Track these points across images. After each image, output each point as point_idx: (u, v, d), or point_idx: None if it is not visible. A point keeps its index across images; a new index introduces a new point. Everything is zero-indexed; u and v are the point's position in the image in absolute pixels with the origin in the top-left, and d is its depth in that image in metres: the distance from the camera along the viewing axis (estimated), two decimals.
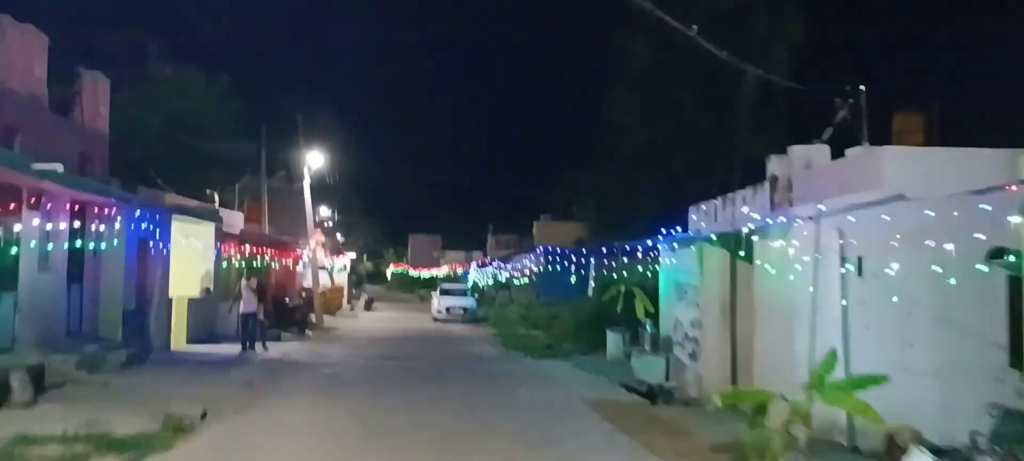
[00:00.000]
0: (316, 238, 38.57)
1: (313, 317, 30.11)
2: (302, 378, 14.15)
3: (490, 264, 46.55)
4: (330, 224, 49.76)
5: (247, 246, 24.18)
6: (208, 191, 29.14)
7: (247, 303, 18.41)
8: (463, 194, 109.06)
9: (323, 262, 39.92)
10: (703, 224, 14.25)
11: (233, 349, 17.77)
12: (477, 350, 21.38)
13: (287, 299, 26.43)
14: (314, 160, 33.08)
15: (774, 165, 12.26)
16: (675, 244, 13.55)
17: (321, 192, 52.11)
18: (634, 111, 27.11)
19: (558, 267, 29.65)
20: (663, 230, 14.82)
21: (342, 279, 45.80)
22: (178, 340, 18.63)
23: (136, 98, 28.52)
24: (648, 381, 13.56)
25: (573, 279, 31.11)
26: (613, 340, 17.93)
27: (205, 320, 20.16)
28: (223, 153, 31.44)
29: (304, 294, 34.69)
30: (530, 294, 37.47)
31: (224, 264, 22.02)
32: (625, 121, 27.31)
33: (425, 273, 71.50)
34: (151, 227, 16.12)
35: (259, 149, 32.95)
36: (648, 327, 13.95)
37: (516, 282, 35.30)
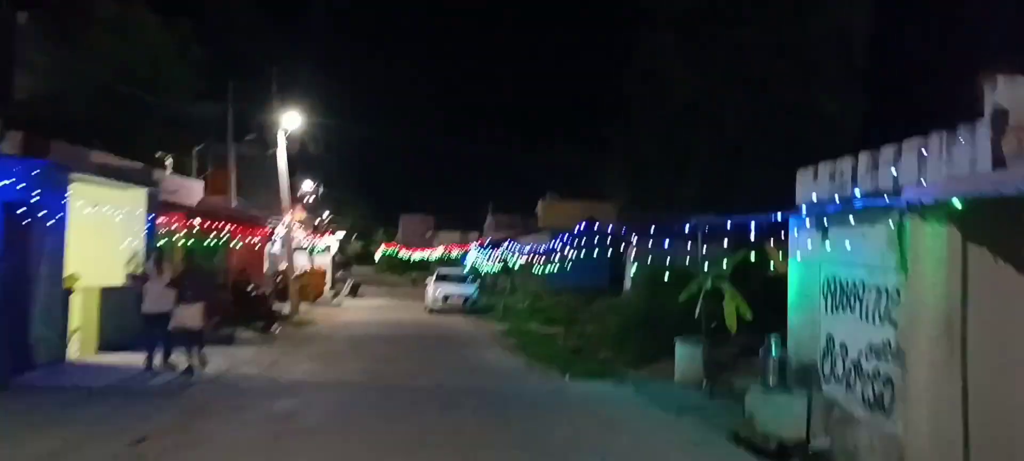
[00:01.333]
0: (293, 214, 33.49)
1: (285, 307, 25.12)
2: (235, 425, 8.85)
3: (499, 245, 41.48)
4: (311, 199, 44.55)
5: (199, 220, 19.11)
6: (158, 154, 24.03)
7: (155, 297, 12.45)
8: (459, 170, 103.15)
9: (301, 241, 34.82)
10: (815, 195, 9.23)
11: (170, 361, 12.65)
12: (492, 360, 16.30)
13: (250, 286, 21.40)
14: (290, 121, 27.95)
15: (1003, 92, 7.24)
16: (827, 218, 8.54)
17: (303, 164, 46.88)
18: (678, 57, 22.02)
19: (585, 252, 24.65)
20: (777, 210, 9.75)
21: (325, 261, 40.74)
22: (86, 347, 13.59)
23: (75, 44, 23.36)
24: (778, 434, 8.65)
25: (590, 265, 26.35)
26: (686, 355, 12.99)
27: (131, 318, 15.06)
28: (181, 112, 26.24)
29: (278, 279, 29.75)
30: (536, 281, 32.57)
31: (162, 242, 16.94)
32: (667, 71, 22.21)
33: (417, 255, 66.55)
34: (30, 188, 11.02)
35: (225, 108, 27.76)
36: (774, 348, 9.06)
37: (536, 269, 30.23)
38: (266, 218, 27.91)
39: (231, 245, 22.07)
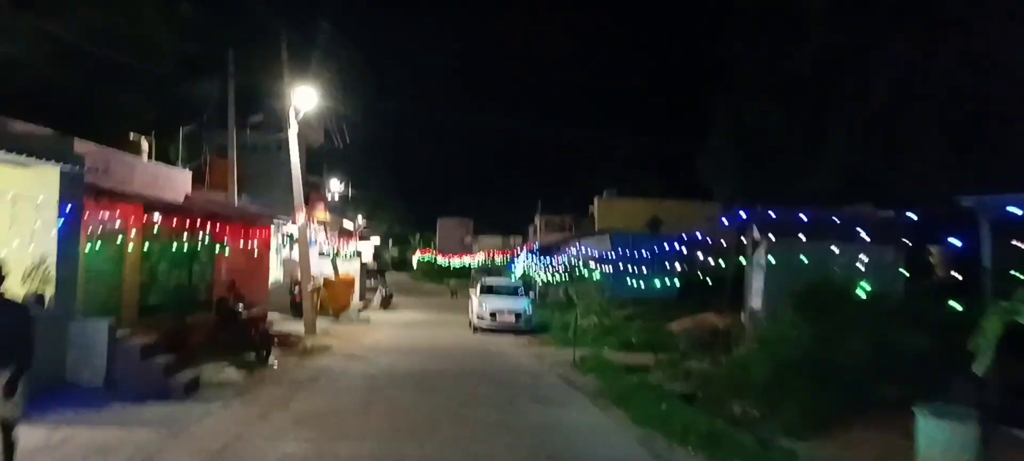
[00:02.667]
0: (311, 213, 28.40)
1: (300, 326, 20.09)
2: None
3: (551, 250, 35.92)
4: (335, 197, 39.51)
5: (165, 219, 13.99)
6: (133, 136, 19.02)
7: None
8: (500, 168, 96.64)
9: (322, 246, 29.73)
10: None
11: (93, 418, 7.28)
12: (581, 427, 10.39)
13: (240, 306, 16.20)
14: (305, 100, 22.81)
15: None
16: None
17: (330, 160, 42.00)
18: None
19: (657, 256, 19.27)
20: None
21: (353, 268, 35.62)
22: None
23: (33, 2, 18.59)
24: None
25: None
26: (940, 437, 7.32)
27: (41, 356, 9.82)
28: (166, 85, 21.28)
29: (296, 291, 24.65)
30: (593, 291, 26.95)
31: (95, 245, 11.80)
32: (791, 15, 16.54)
33: (456, 261, 61.44)
34: None
35: (224, 83, 22.71)
36: None
37: (596, 276, 24.69)
38: (273, 218, 22.83)
39: (218, 252, 16.95)
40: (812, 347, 9.90)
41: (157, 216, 13.56)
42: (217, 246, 16.79)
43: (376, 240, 63.68)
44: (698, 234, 17.01)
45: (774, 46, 16.73)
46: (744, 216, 13.53)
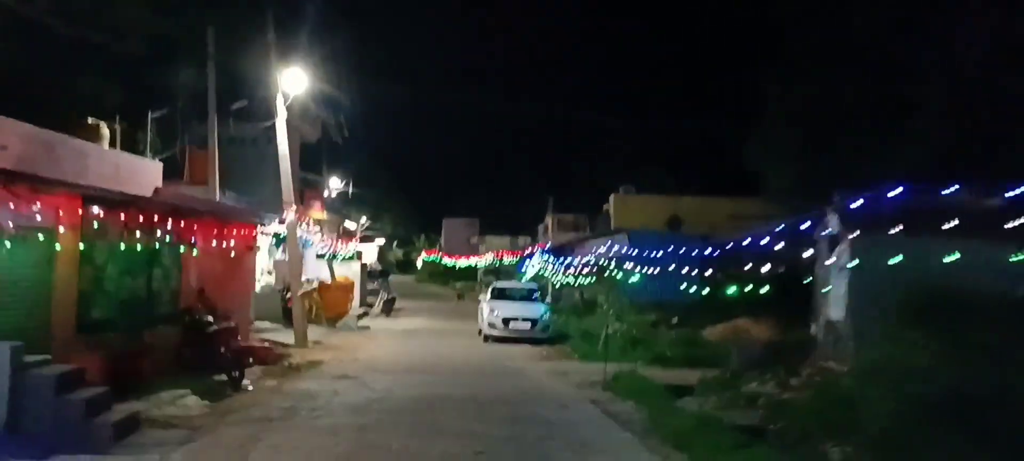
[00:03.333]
0: (306, 211, 25.92)
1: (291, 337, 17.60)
2: None
3: (562, 251, 33.27)
4: (332, 194, 36.93)
5: (110, 214, 11.39)
6: (91, 121, 16.46)
7: None
8: (507, 165, 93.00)
9: (319, 247, 27.16)
10: None
11: None
12: None
13: (210, 317, 13.59)
14: (294, 83, 20.25)
15: None
16: None
17: (333, 159, 39.52)
18: None
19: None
20: None
21: (353, 271, 32.97)
22: None
23: None
24: None
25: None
26: None
27: None
28: (137, 67, 18.69)
29: (288, 296, 22.09)
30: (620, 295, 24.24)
31: (5, 246, 9.21)
32: None
33: (462, 262, 58.87)
34: None
35: (203, 65, 20.12)
36: None
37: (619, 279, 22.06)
38: (258, 215, 20.27)
39: (188, 255, 14.34)
40: (955, 381, 7.23)
41: (96, 210, 10.94)
42: (186, 248, 14.17)
43: (381, 241, 61.28)
44: (762, 235, 14.21)
45: (840, 7, 14.05)
46: (833, 206, 10.84)
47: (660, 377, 14.69)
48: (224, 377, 12.89)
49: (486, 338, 21.88)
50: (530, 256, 37.63)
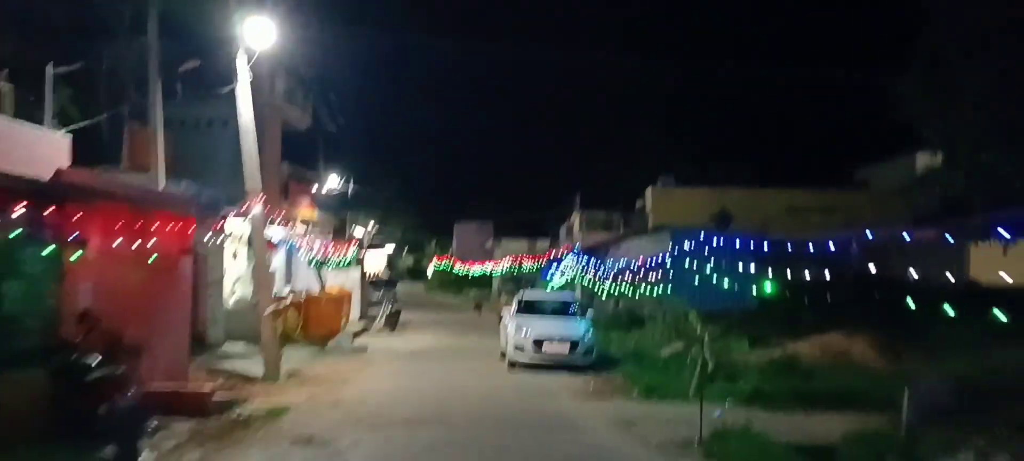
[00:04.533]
0: (296, 208, 21.41)
1: (257, 369, 12.75)
2: None
3: (595, 252, 28.24)
4: (323, 191, 32.07)
5: None
6: None
7: None
8: (523, 164, 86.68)
9: (303, 250, 22.28)
10: None
11: None
12: None
13: (93, 357, 8.70)
14: (259, 36, 15.28)
15: None
16: None
17: (333, 159, 34.95)
18: None
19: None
20: None
21: (351, 279, 28.12)
22: None
23: None
24: None
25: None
26: None
27: None
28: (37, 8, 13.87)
29: (272, 307, 17.25)
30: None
31: None
32: None
33: (475, 269, 54.07)
34: None
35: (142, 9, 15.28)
36: None
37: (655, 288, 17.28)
38: (213, 207, 15.44)
39: (78, 261, 9.44)
40: None
41: None
42: (67, 251, 9.30)
43: (390, 248, 56.75)
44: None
45: None
46: None
47: (773, 427, 9.91)
48: (109, 451, 8.02)
49: (512, 364, 16.91)
50: (557, 260, 32.55)
